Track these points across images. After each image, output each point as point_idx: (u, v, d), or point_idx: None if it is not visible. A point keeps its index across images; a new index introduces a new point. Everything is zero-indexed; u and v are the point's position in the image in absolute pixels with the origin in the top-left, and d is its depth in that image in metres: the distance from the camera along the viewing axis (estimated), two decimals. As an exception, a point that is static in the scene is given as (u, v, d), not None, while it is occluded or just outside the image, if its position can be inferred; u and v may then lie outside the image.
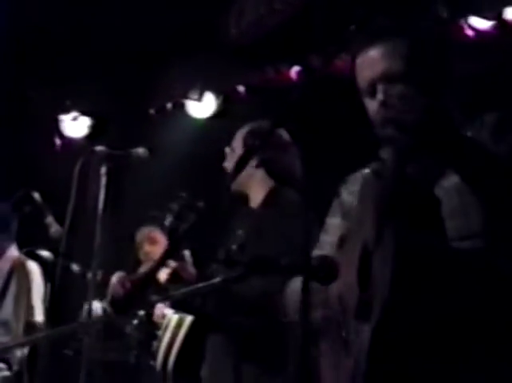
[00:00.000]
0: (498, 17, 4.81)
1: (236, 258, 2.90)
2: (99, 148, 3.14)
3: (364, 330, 1.84)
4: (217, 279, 2.01)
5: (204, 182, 3.89)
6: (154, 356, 3.63)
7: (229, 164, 3.20)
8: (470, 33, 5.02)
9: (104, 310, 3.37)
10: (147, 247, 5.01)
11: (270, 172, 3.13)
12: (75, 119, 6.79)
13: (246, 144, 3.15)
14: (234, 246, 3.06)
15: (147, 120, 6.61)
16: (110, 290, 3.05)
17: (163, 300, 2.66)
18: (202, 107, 6.40)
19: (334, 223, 2.25)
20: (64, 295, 3.44)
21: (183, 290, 2.21)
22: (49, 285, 3.74)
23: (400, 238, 1.80)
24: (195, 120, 6.45)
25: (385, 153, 2.00)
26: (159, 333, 3.75)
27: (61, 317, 3.63)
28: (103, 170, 3.10)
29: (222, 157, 3.26)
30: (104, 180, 3.07)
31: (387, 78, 1.96)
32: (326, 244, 2.19)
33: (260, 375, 2.90)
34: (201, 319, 3.06)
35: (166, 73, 6.20)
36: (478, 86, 4.08)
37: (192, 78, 6.30)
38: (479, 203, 1.84)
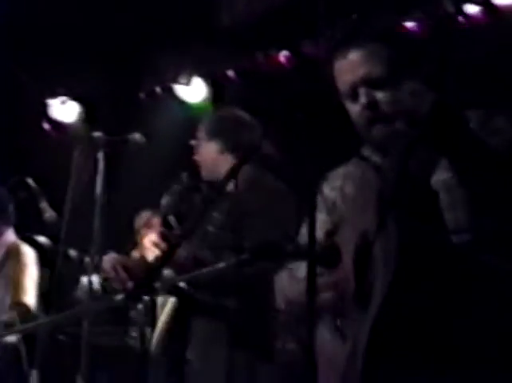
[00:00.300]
0: (485, 1, 4.86)
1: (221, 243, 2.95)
2: (96, 133, 3.15)
3: (362, 319, 1.88)
4: (222, 264, 2.03)
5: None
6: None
7: (198, 157, 3.25)
8: (461, 19, 5.06)
9: (103, 287, 3.40)
10: (143, 231, 5.05)
11: (235, 155, 3.18)
12: (63, 103, 6.78)
13: None
14: (211, 229, 3.11)
15: (138, 105, 6.61)
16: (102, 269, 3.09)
17: (169, 286, 2.69)
18: (192, 91, 6.42)
19: (319, 219, 2.28)
20: (62, 281, 3.45)
21: (188, 275, 2.22)
22: (47, 271, 3.75)
23: (402, 228, 1.84)
24: (186, 104, 6.46)
25: (368, 151, 2.09)
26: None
27: (60, 302, 3.65)
28: (100, 156, 3.11)
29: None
30: (101, 166, 3.09)
31: (368, 82, 2.00)
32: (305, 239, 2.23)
33: (250, 362, 2.94)
34: (186, 301, 3.09)
35: (156, 57, 6.19)
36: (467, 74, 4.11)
37: (182, 63, 6.30)
38: (468, 198, 1.87)
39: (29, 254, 4.24)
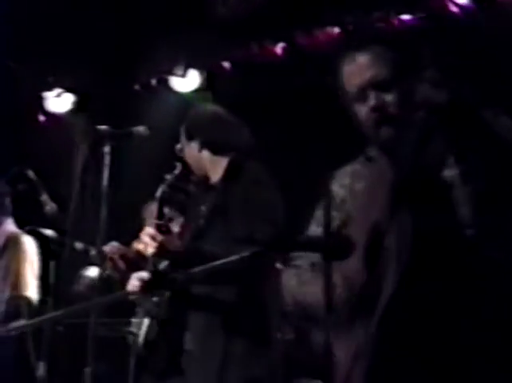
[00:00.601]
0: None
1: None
2: (102, 127, 3.17)
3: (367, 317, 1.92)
4: (234, 257, 2.06)
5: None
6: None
7: (185, 158, 3.29)
8: (454, 9, 5.10)
9: (106, 278, 3.40)
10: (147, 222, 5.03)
11: (213, 150, 3.22)
12: (59, 95, 6.77)
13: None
14: (201, 221, 3.14)
15: (133, 96, 6.61)
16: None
17: (185, 278, 2.72)
18: (187, 83, 6.42)
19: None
20: (67, 273, 3.48)
21: (203, 267, 2.24)
22: (53, 263, 3.75)
23: (417, 219, 1.88)
24: (181, 95, 6.46)
25: (373, 151, 2.16)
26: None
27: (65, 295, 3.67)
28: (106, 149, 3.13)
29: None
30: (107, 159, 3.10)
31: (375, 84, 2.09)
32: (317, 234, 2.27)
33: (246, 355, 2.97)
34: (179, 294, 3.11)
35: (151, 49, 6.19)
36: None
37: (177, 54, 6.30)
38: (472, 195, 1.92)
39: (28, 244, 4.22)
